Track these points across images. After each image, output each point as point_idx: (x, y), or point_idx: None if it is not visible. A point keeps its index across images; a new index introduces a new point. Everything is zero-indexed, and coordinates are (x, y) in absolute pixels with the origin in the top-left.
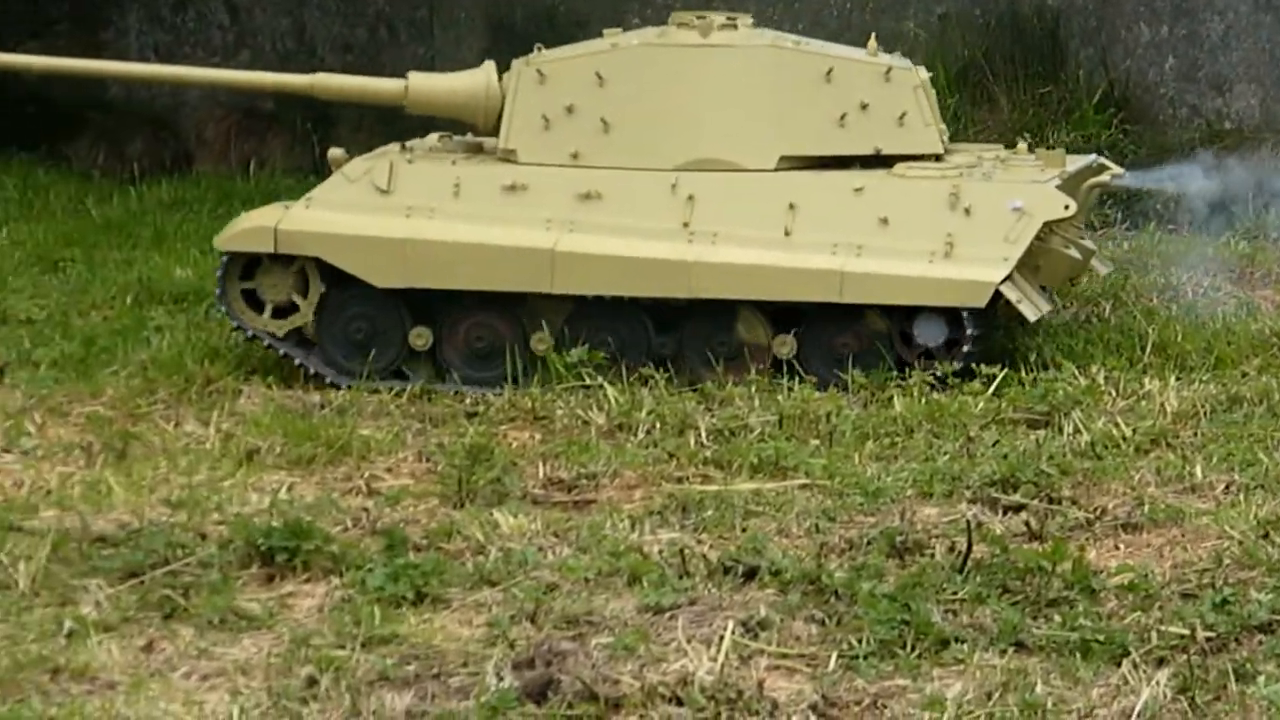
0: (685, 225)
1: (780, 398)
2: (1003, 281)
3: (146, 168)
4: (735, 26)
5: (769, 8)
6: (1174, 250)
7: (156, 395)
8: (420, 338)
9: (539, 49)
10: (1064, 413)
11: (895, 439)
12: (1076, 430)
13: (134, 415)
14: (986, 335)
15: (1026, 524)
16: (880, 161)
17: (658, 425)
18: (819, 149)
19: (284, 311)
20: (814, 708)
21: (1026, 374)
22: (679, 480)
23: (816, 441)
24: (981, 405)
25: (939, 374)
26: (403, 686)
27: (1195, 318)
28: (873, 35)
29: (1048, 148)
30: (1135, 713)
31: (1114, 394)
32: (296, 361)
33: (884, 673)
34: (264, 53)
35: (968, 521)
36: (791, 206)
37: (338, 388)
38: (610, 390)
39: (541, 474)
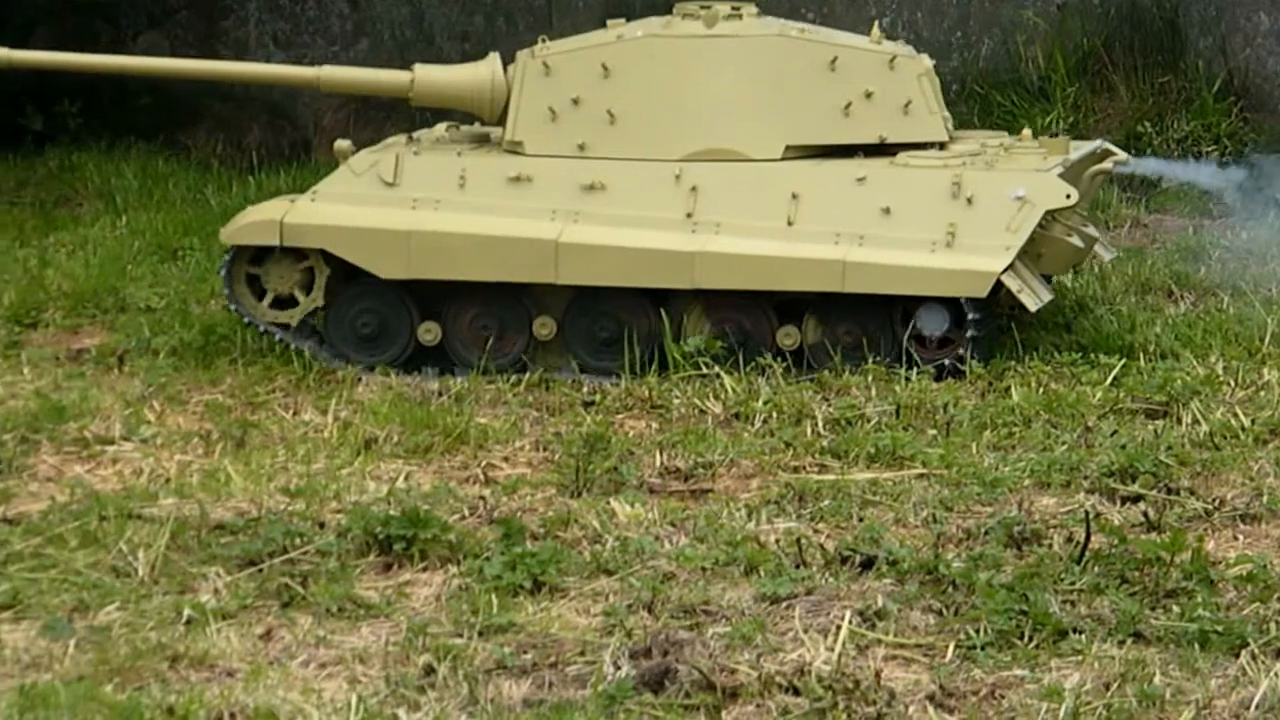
0: (689, 216)
1: (897, 387)
2: (1004, 271)
3: (265, 157)
4: (740, 16)
5: None
6: None
7: (275, 384)
8: (429, 333)
9: (543, 40)
10: (1182, 403)
11: (1013, 429)
12: (1195, 420)
13: (252, 404)
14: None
15: (1145, 514)
16: (885, 150)
17: (774, 415)
18: (824, 138)
19: (290, 304)
20: (931, 698)
21: (1145, 364)
22: (796, 470)
23: (934, 431)
24: (1099, 395)
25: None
26: (520, 675)
27: None
28: (875, 23)
29: (1165, 138)
30: (1254, 704)
31: (1233, 384)
32: (300, 351)
33: (1002, 663)
34: (382, 41)
35: (1086, 512)
36: (794, 196)
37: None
38: (727, 380)
39: (658, 463)
